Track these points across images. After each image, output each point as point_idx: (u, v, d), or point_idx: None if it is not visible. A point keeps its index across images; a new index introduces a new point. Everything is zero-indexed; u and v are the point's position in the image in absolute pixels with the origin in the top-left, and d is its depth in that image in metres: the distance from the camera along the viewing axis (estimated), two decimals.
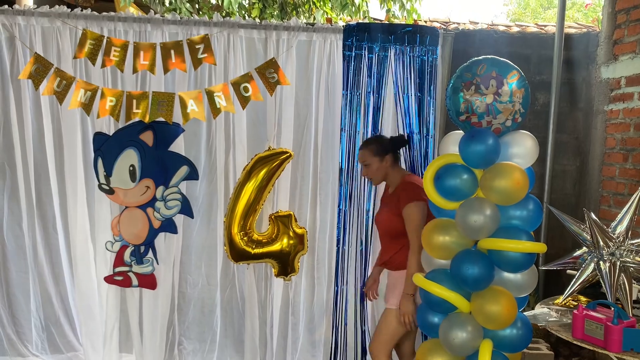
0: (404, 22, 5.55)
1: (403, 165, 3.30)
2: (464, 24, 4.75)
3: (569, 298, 3.10)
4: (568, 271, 3.20)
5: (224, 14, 5.63)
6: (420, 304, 2.71)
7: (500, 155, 2.51)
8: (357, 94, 3.34)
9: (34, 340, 3.66)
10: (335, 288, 3.31)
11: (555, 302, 3.16)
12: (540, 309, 3.13)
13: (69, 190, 3.42)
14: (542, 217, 2.59)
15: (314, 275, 3.57)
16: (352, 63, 3.33)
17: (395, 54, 3.35)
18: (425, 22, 5.39)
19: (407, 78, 3.35)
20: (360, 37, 3.33)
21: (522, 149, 2.54)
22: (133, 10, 5.51)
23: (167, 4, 5.40)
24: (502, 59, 2.57)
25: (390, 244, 3.00)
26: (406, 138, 3.19)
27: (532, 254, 2.43)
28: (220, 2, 5.38)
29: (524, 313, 3.04)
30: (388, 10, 5.99)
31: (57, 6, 3.33)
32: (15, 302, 3.61)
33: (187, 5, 5.53)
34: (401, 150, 3.22)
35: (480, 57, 2.59)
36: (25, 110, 3.40)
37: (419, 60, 3.35)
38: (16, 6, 3.36)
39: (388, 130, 3.42)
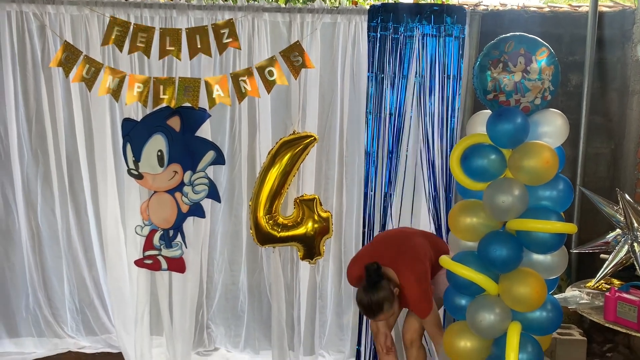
0: (431, 2, 5.45)
1: (424, 149, 3.26)
2: (495, 6, 4.64)
3: (602, 281, 3.03)
4: (602, 255, 3.13)
5: None
6: (448, 287, 2.67)
7: (529, 134, 2.45)
8: (383, 75, 3.30)
9: (69, 322, 3.77)
10: None
11: (587, 285, 3.10)
12: (571, 292, 3.08)
13: (99, 175, 3.48)
14: (573, 198, 2.52)
15: (341, 259, 3.55)
16: (378, 44, 3.29)
17: (422, 35, 3.30)
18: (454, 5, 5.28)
19: (433, 59, 3.30)
20: (386, 17, 3.28)
21: (551, 128, 2.47)
22: None
23: None
24: (530, 35, 2.50)
25: None
26: (374, 267, 2.85)
27: (562, 235, 2.37)
28: None
29: (555, 296, 2.99)
30: None
31: None
32: (51, 285, 3.71)
33: None
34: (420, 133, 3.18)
35: (508, 34, 2.53)
36: (57, 98, 3.47)
37: (445, 41, 3.29)
38: None
39: (414, 113, 3.36)
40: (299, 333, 3.53)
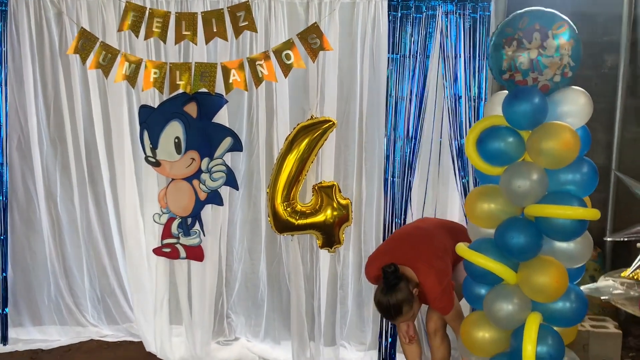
0: None
1: (452, 134, 3.26)
2: None
3: (638, 270, 2.96)
4: (638, 244, 3.05)
5: None
6: (466, 276, 2.65)
7: (548, 114, 2.41)
8: (404, 56, 3.29)
9: (91, 311, 3.91)
10: None
11: (622, 274, 3.02)
12: (604, 282, 3.02)
13: (117, 163, 3.59)
14: (598, 182, 2.46)
15: (361, 247, 3.57)
16: (398, 24, 3.29)
17: (445, 13, 3.27)
18: None
19: (457, 38, 3.27)
20: None
21: (573, 107, 2.43)
22: None
23: None
24: (547, 9, 2.45)
25: None
26: (391, 269, 2.85)
27: (583, 221, 2.33)
28: None
29: (587, 286, 2.94)
30: None
31: None
32: (72, 274, 3.86)
33: None
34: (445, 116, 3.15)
35: (522, 10, 2.49)
36: (75, 86, 3.59)
37: (470, 19, 3.26)
38: None
39: (436, 94, 3.33)
40: (319, 324, 3.57)
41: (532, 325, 2.33)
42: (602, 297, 2.80)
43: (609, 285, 2.89)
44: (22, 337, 3.84)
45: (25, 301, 3.86)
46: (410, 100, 3.30)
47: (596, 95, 2.52)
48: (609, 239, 3.24)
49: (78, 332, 3.89)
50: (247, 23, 3.23)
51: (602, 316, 3.37)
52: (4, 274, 3.72)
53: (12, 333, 3.80)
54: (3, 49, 3.50)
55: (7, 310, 3.74)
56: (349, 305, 3.66)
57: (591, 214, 2.32)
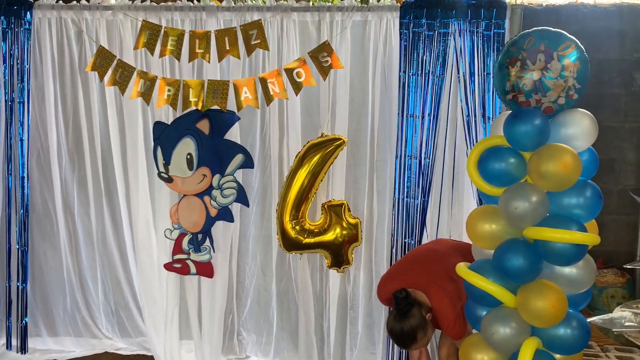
0: None
1: (465, 153, 3.30)
2: (552, 4, 4.55)
3: None
4: None
5: None
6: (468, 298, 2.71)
7: (552, 136, 2.46)
8: (416, 74, 3.37)
9: (105, 324, 4.08)
10: None
11: (639, 305, 3.01)
12: (619, 313, 3.00)
13: (131, 178, 3.77)
14: (601, 206, 2.48)
15: (372, 268, 3.64)
16: (410, 42, 3.38)
17: (458, 30, 3.35)
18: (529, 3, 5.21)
19: (470, 56, 3.34)
20: (419, 13, 3.36)
21: (578, 129, 2.48)
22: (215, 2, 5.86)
23: None
24: (554, 29, 2.53)
25: None
26: (403, 294, 2.89)
27: (583, 246, 2.36)
28: None
29: (601, 316, 2.94)
30: None
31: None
32: (87, 287, 4.04)
33: None
34: (458, 136, 3.21)
35: (530, 30, 2.56)
36: (93, 102, 3.80)
37: (483, 37, 3.32)
38: (92, 0, 3.73)
39: (448, 113, 3.41)
40: (328, 345, 3.65)
41: (527, 351, 2.37)
42: (613, 330, 2.79)
43: (623, 316, 2.88)
44: (39, 347, 4.04)
45: (43, 312, 4.06)
46: (423, 118, 3.38)
47: (625, 114, 2.53)
48: (628, 266, 3.22)
49: (93, 345, 4.06)
50: (259, 41, 3.38)
51: (630, 346, 3.34)
52: (24, 285, 3.93)
53: (30, 343, 3.99)
54: (26, 66, 3.74)
55: (26, 319, 3.95)
56: (359, 326, 3.73)
57: (590, 239, 2.35)
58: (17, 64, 3.72)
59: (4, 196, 3.85)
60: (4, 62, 3.75)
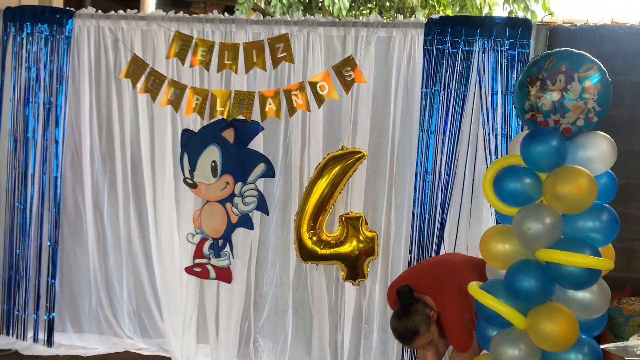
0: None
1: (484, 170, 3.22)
2: (587, 21, 4.41)
3: None
4: None
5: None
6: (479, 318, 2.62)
7: (570, 158, 2.37)
8: (438, 91, 3.32)
9: (127, 323, 4.08)
10: None
11: None
12: (635, 341, 2.86)
13: (158, 183, 3.79)
14: (618, 231, 2.37)
15: (388, 282, 3.55)
16: (434, 58, 3.33)
17: (482, 48, 3.28)
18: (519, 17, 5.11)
19: (494, 74, 3.28)
20: (443, 31, 3.31)
21: (595, 152, 2.38)
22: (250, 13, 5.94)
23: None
24: (578, 51, 2.44)
25: None
26: (406, 289, 2.82)
27: (595, 271, 2.25)
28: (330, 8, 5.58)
29: (615, 344, 2.82)
30: (510, 12, 5.79)
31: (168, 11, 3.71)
32: (112, 287, 4.05)
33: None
34: (479, 154, 3.13)
35: (553, 50, 2.48)
36: (125, 108, 3.84)
37: (507, 55, 3.24)
38: (129, 11, 3.79)
39: (469, 131, 3.33)
40: (342, 358, 3.58)
41: None
42: (626, 358, 2.65)
43: (637, 345, 2.74)
44: (64, 342, 4.07)
45: (69, 308, 4.09)
46: (444, 135, 3.31)
47: None
48: None
49: (115, 343, 4.06)
50: (285, 54, 3.39)
51: None
52: (53, 281, 3.97)
53: (56, 337, 4.03)
54: (65, 72, 3.80)
55: (53, 314, 3.99)
56: (374, 341, 3.64)
57: (603, 264, 2.24)
58: (57, 69, 3.79)
59: (38, 195, 3.90)
60: (45, 67, 3.83)
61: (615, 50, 3.71)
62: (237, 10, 5.71)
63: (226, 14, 3.73)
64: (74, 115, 3.91)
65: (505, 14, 5.96)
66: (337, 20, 3.49)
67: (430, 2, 6.18)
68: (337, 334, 3.59)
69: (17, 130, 3.88)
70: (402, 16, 5.69)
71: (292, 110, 3.38)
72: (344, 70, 3.32)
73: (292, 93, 3.37)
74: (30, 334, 4.00)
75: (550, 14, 5.57)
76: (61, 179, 3.89)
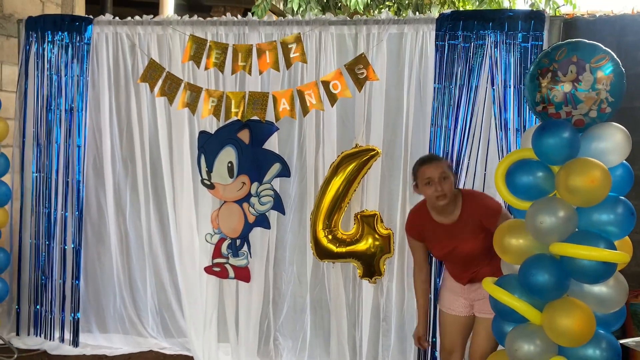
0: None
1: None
2: (606, 12, 4.29)
3: None
4: None
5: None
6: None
7: (583, 150, 2.29)
8: (450, 86, 3.26)
9: (151, 323, 4.09)
10: None
11: None
12: None
13: (177, 184, 3.79)
14: (634, 223, 2.28)
15: (404, 280, 3.50)
16: (446, 53, 3.28)
17: (494, 42, 3.21)
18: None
19: (507, 68, 3.20)
20: (455, 25, 3.25)
21: (609, 144, 2.30)
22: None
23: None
24: (590, 42, 2.36)
25: (477, 260, 2.83)
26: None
27: (610, 264, 2.17)
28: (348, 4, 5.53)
29: (634, 338, 2.73)
30: (532, 5, 5.68)
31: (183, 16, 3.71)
32: (135, 287, 4.07)
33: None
34: (491, 148, 3.06)
35: (563, 41, 2.40)
36: (144, 111, 3.85)
37: (520, 48, 3.17)
38: (145, 16, 3.81)
39: (482, 124, 3.25)
40: (360, 356, 3.54)
41: None
42: None
43: None
44: (90, 342, 4.10)
45: (94, 309, 4.12)
46: (456, 130, 3.25)
47: None
48: None
49: (139, 343, 4.07)
50: (298, 54, 3.36)
51: None
52: (77, 282, 4.01)
53: (82, 338, 4.06)
54: (84, 77, 3.83)
55: (78, 315, 4.03)
56: (392, 339, 3.59)
57: (618, 257, 2.16)
58: (77, 75, 3.83)
59: (62, 198, 3.94)
60: (66, 74, 3.87)
61: (636, 40, 3.60)
62: (253, 12, 5.71)
63: (240, 16, 3.72)
64: (95, 119, 3.95)
65: (526, 7, 5.86)
66: (348, 19, 3.45)
67: None
68: (355, 332, 3.54)
69: (40, 135, 3.93)
70: (418, 13, 5.63)
71: (305, 109, 3.36)
72: (357, 68, 3.28)
73: (305, 93, 3.35)
74: (57, 334, 4.05)
75: (570, 3, 5.45)
76: (84, 182, 3.93)
